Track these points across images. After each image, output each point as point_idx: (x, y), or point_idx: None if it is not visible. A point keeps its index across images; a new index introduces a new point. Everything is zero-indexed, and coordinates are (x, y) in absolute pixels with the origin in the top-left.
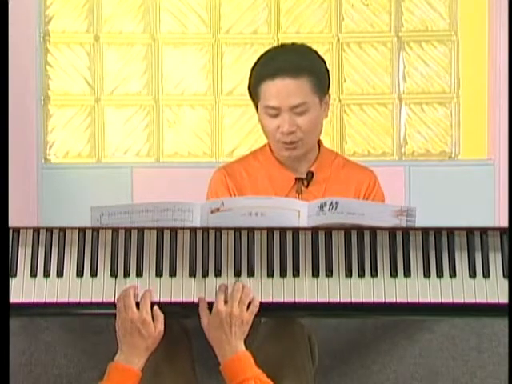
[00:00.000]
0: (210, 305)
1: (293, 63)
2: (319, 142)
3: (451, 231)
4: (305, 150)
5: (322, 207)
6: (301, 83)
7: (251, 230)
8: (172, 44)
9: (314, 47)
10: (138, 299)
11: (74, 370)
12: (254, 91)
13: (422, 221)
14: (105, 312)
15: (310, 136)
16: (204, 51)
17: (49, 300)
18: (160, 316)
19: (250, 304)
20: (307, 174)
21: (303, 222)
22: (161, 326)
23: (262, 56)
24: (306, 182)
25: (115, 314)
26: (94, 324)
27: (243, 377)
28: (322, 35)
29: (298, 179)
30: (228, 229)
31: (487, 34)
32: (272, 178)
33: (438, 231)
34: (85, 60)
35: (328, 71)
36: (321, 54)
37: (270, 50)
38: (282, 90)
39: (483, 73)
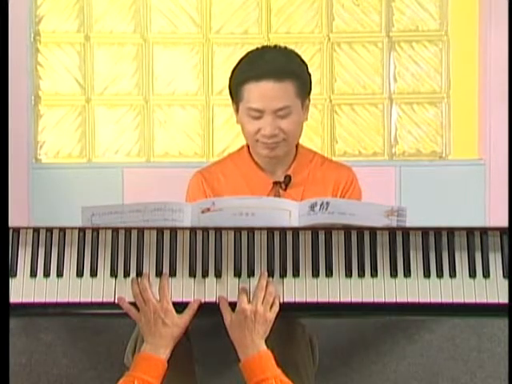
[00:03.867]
0: (210, 305)
1: (278, 66)
2: (297, 144)
3: (451, 231)
4: (284, 151)
5: (312, 207)
6: (285, 86)
7: (251, 230)
8: (163, 44)
9: (305, 47)
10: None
11: (74, 370)
12: (235, 91)
13: (412, 221)
14: (105, 312)
15: (291, 138)
16: (195, 51)
17: (49, 300)
18: (192, 308)
19: (272, 304)
20: (285, 178)
21: (294, 222)
22: (188, 317)
23: (244, 57)
24: (283, 186)
25: (117, 314)
26: (93, 324)
27: (263, 376)
28: (313, 35)
29: (275, 183)
30: (228, 229)
31: (478, 34)
32: (249, 182)
33: (437, 231)
34: (75, 60)
35: (310, 75)
36: (311, 54)
37: (252, 52)
38: (266, 92)
39: (474, 73)
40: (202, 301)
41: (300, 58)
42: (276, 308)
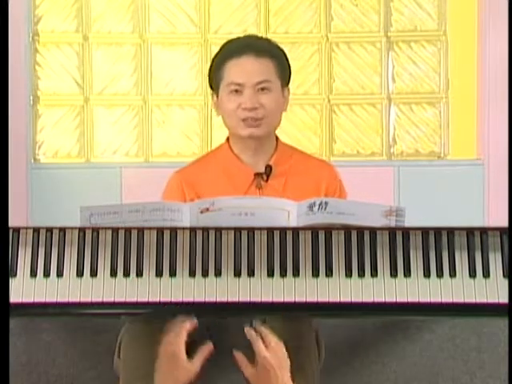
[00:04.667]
0: (210, 305)
1: (256, 44)
2: (276, 138)
3: (451, 231)
4: (265, 132)
5: (311, 207)
6: (265, 63)
7: (251, 230)
8: (161, 44)
9: (303, 47)
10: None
11: (74, 370)
12: (216, 74)
13: (412, 221)
14: (105, 312)
15: (271, 117)
16: (193, 51)
17: (49, 300)
18: (203, 354)
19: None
20: (266, 168)
21: (293, 222)
22: (198, 362)
23: (225, 44)
24: (265, 177)
25: (117, 314)
26: (93, 324)
27: None
28: (312, 35)
29: (256, 174)
30: (228, 229)
31: (476, 33)
32: (231, 176)
33: (437, 231)
34: (74, 60)
35: (289, 64)
36: (310, 54)
37: (233, 39)
38: (246, 66)
39: (472, 73)
40: (202, 301)
41: (280, 49)
42: (276, 346)
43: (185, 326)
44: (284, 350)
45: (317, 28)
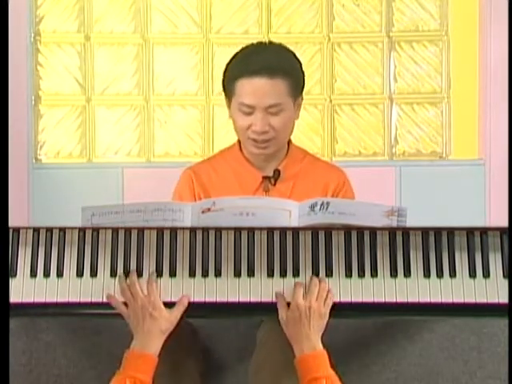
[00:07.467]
0: (210, 305)
1: (271, 63)
2: (289, 141)
3: (451, 231)
4: (275, 148)
5: (312, 207)
6: (277, 84)
7: (251, 230)
8: (163, 44)
9: (305, 47)
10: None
11: (74, 370)
12: (228, 87)
13: (412, 221)
14: (105, 312)
15: (282, 136)
16: (195, 51)
17: (49, 300)
18: (182, 304)
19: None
20: (274, 173)
21: (294, 222)
22: (177, 312)
23: (238, 52)
24: (273, 180)
25: (117, 314)
26: (93, 324)
27: (316, 375)
28: (313, 35)
29: (264, 177)
30: (228, 229)
31: (478, 34)
32: (239, 177)
33: (437, 231)
34: (76, 60)
35: (303, 73)
36: (311, 54)
37: (247, 47)
38: (258, 89)
39: (474, 73)
40: (202, 301)
41: (294, 56)
42: (330, 302)
43: (155, 279)
44: (327, 309)
45: (318, 28)
